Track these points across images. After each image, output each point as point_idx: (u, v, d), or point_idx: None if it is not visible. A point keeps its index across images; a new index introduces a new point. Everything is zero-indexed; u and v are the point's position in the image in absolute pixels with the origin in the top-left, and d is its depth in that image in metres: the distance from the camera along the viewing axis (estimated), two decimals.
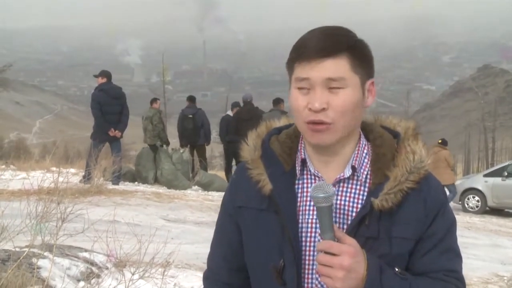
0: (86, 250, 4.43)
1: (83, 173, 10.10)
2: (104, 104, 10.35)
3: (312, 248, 1.40)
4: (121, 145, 10.80)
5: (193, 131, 12.79)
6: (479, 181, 14.78)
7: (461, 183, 15.35)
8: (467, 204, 14.55)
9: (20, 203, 3.75)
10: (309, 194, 1.41)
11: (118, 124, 10.43)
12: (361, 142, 1.43)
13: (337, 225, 1.38)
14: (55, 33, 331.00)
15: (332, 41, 1.35)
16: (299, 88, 1.37)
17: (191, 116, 12.82)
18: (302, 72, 1.36)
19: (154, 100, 13.08)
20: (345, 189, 1.41)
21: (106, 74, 10.66)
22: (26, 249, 3.59)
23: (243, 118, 11.01)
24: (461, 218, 12.69)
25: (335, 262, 1.27)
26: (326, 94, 1.34)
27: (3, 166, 13.30)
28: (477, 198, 14.51)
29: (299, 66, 1.36)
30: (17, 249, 3.70)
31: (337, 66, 1.34)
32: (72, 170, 11.65)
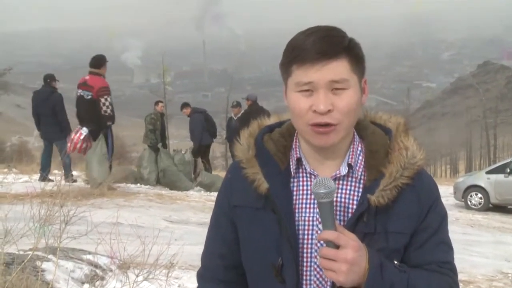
0: (90, 253, 4.43)
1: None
2: (35, 106, 10.89)
3: (309, 246, 1.42)
4: (66, 143, 10.85)
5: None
6: (482, 178, 14.77)
7: (464, 180, 15.34)
8: (470, 202, 14.53)
9: (23, 206, 3.76)
10: (305, 192, 1.44)
11: (50, 126, 10.65)
12: (355, 139, 1.45)
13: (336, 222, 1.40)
14: (55, 36, 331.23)
15: (331, 43, 1.35)
16: (300, 91, 1.37)
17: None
18: (303, 75, 1.36)
19: (156, 103, 13.20)
20: (341, 186, 1.43)
21: (43, 78, 11.08)
22: (30, 252, 3.59)
23: (254, 118, 11.06)
24: (464, 216, 12.68)
25: (339, 256, 1.29)
26: (330, 96, 1.35)
27: (5, 170, 13.30)
28: (480, 195, 14.49)
29: (299, 70, 1.37)
30: (21, 252, 3.70)
31: (339, 68, 1.35)
32: (74, 173, 11.67)
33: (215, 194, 11.29)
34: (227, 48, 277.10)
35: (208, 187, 11.78)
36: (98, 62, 9.66)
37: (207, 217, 7.89)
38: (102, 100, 9.38)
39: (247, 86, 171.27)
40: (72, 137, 9.50)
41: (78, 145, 9.39)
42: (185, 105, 13.58)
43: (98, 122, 9.43)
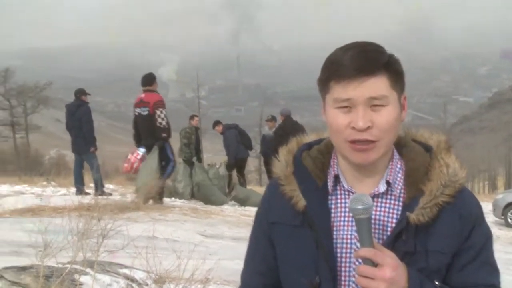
0: (126, 267, 4.46)
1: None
2: (66, 120, 11.26)
3: (347, 264, 1.40)
4: (93, 157, 11.08)
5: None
6: None
7: (503, 197, 14.96)
8: (511, 219, 14.16)
9: (62, 219, 3.82)
10: (343, 210, 1.42)
11: (78, 139, 10.96)
12: (394, 157, 1.43)
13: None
14: (93, 51, 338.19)
15: (370, 59, 1.34)
16: (339, 107, 1.36)
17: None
18: (342, 92, 1.34)
19: (191, 117, 13.35)
20: (379, 204, 1.41)
21: (74, 92, 11.38)
22: (69, 266, 3.63)
23: (288, 132, 11.11)
24: (504, 234, 12.36)
25: (377, 274, 1.26)
26: (369, 113, 1.34)
27: (44, 183, 13.60)
28: None
29: (337, 86, 1.35)
30: (60, 265, 3.74)
31: (379, 85, 1.34)
32: (111, 186, 11.85)
33: (249, 208, 11.30)
34: (260, 63, 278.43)
35: (242, 202, 11.77)
36: (149, 79, 9.90)
37: (241, 232, 7.89)
38: (158, 112, 9.52)
39: (280, 100, 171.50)
40: (129, 157, 9.70)
41: (135, 165, 9.57)
42: (217, 123, 13.81)
43: (155, 135, 9.58)
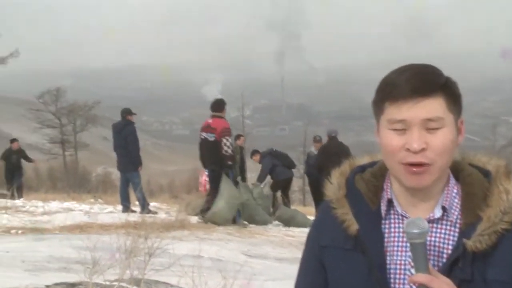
0: (172, 285, 4.48)
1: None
2: (113, 138, 11.53)
3: None
4: (137, 176, 11.27)
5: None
6: None
7: None
8: None
9: (110, 237, 3.88)
10: (396, 234, 1.38)
11: (123, 157, 11.18)
12: (450, 181, 1.39)
13: None
14: (139, 71, 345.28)
15: (426, 81, 1.31)
16: (393, 129, 1.34)
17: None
18: (396, 113, 1.32)
19: (237, 137, 13.47)
20: (435, 229, 1.36)
21: (120, 112, 11.65)
22: (116, 283, 3.68)
23: (331, 152, 11.06)
24: None
25: None
26: (424, 135, 1.31)
27: (92, 200, 13.89)
28: None
29: (392, 107, 1.33)
30: (108, 283, 3.80)
31: (435, 106, 1.31)
32: (156, 204, 11.99)
33: (293, 229, 11.21)
34: (304, 82, 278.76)
35: (286, 222, 11.71)
36: (219, 105, 10.21)
37: (285, 252, 7.84)
38: (224, 140, 9.80)
39: (324, 120, 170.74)
40: (200, 180, 10.05)
41: (207, 186, 9.90)
42: (254, 152, 14.05)
43: (220, 162, 9.87)
